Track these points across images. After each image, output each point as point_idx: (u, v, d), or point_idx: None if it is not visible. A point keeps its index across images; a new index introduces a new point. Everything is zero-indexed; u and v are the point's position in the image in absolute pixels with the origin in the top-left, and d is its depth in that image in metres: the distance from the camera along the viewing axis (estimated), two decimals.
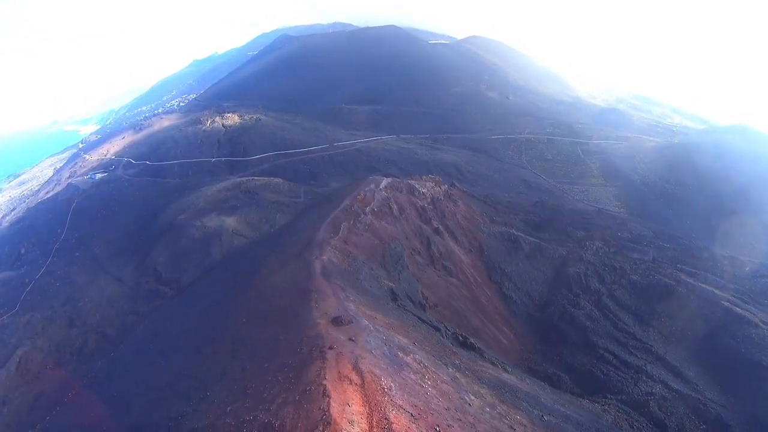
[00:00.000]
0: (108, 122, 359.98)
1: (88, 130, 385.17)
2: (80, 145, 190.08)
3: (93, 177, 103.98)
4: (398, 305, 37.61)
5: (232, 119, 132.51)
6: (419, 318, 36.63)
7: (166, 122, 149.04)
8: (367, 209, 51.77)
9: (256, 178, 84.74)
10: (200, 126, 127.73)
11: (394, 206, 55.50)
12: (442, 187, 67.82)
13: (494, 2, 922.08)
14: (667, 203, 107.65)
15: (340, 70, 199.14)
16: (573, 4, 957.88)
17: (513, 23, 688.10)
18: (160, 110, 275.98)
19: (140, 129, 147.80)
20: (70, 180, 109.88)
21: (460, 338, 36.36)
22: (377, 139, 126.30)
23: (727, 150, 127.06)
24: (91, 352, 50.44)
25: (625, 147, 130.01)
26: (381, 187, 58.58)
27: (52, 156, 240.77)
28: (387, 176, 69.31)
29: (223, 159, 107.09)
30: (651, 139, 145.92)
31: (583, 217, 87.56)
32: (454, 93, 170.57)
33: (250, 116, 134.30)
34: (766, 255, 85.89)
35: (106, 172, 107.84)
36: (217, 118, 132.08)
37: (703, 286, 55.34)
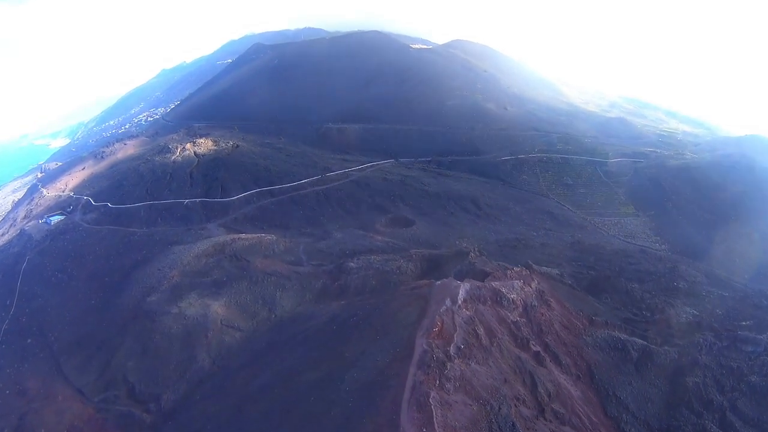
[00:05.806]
0: (77, 136, 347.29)
1: (58, 143, 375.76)
2: (39, 175, 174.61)
3: (48, 221, 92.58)
4: None
5: (206, 145, 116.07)
6: None
7: (131, 149, 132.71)
8: (451, 349, 35.77)
9: (242, 236, 68.79)
10: (169, 155, 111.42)
11: (482, 331, 39.37)
12: (533, 285, 50.47)
13: (466, 5, 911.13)
14: (706, 233, 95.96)
15: (323, 82, 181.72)
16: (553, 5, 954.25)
17: (489, 25, 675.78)
18: (127, 126, 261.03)
19: (102, 158, 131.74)
20: (24, 223, 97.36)
21: None
22: (374, 166, 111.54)
23: (752, 167, 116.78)
24: None
25: (648, 166, 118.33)
26: (459, 301, 41.87)
27: (16, 179, 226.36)
28: (459, 276, 51.90)
29: (197, 200, 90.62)
30: (669, 154, 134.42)
31: (628, 261, 75.03)
32: (452, 106, 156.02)
33: (225, 142, 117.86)
34: None
35: (63, 214, 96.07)
36: (188, 145, 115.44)
37: None
